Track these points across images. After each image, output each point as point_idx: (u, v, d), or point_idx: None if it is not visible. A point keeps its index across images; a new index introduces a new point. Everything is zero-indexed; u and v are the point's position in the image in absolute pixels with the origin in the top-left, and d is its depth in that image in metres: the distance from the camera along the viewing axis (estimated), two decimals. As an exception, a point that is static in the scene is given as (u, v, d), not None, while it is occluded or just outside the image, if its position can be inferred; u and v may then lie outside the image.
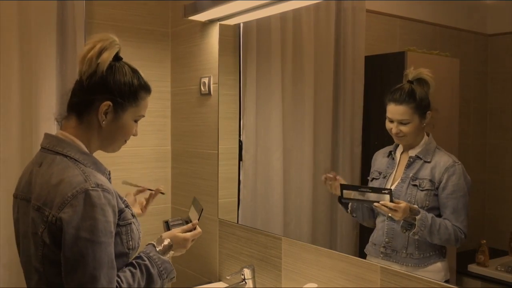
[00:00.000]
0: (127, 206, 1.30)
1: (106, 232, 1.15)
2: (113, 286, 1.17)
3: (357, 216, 1.76)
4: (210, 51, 2.30)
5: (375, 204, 1.54)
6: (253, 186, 2.22)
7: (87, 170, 1.20)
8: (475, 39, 1.52)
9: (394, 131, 1.56)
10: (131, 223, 1.28)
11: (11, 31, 2.07)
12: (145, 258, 1.30)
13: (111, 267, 1.17)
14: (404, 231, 1.52)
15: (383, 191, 1.55)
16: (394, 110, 1.55)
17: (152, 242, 1.38)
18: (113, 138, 1.31)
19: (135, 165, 2.48)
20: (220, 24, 2.24)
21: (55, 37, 2.16)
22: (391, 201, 1.51)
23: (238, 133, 2.24)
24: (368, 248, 1.67)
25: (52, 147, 1.25)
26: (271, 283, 1.94)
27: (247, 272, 1.93)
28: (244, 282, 1.93)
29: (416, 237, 1.49)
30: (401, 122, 1.54)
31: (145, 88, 1.32)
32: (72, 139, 1.26)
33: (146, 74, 2.73)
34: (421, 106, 1.52)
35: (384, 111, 1.59)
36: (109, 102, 1.25)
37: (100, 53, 1.23)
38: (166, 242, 1.39)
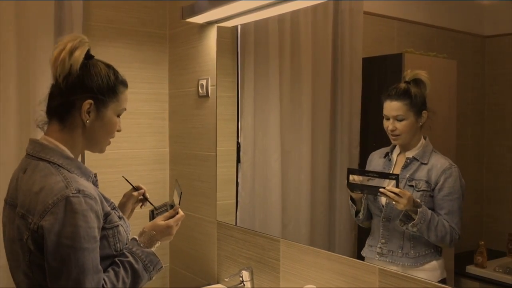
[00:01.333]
0: (114, 209, 1.30)
1: (89, 238, 1.15)
2: None
3: (360, 216, 1.73)
4: (208, 53, 2.30)
5: (381, 189, 1.52)
6: (251, 188, 2.22)
7: (69, 176, 1.20)
8: (472, 41, 1.52)
9: (390, 127, 1.57)
10: (118, 226, 1.27)
11: (8, 32, 2.07)
12: (128, 255, 1.29)
13: (96, 272, 1.17)
14: (402, 224, 1.52)
15: (390, 176, 1.54)
16: (389, 106, 1.57)
17: (135, 237, 1.37)
18: (98, 137, 1.31)
19: (133, 167, 2.48)
20: (218, 26, 2.24)
21: (53, 39, 2.15)
22: (397, 186, 1.50)
23: (236, 135, 2.24)
24: (365, 250, 1.68)
25: (35, 153, 1.25)
26: (269, 285, 1.94)
27: (245, 274, 1.93)
28: (242, 284, 1.93)
29: (415, 229, 1.49)
30: (396, 119, 1.55)
31: (122, 83, 1.32)
32: (55, 144, 1.26)
33: (143, 76, 2.74)
34: (416, 104, 1.52)
35: (382, 113, 1.59)
36: (90, 101, 1.25)
37: (71, 53, 1.23)
38: (148, 233, 1.37)
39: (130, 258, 1.28)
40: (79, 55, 1.24)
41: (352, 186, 1.65)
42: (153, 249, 1.36)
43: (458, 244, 1.49)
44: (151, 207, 1.56)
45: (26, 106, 2.11)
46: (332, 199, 1.93)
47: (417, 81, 1.52)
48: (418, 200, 1.50)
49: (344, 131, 1.88)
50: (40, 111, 1.31)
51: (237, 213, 2.22)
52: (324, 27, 1.96)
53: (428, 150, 1.55)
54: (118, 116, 1.33)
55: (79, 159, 1.34)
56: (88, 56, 1.28)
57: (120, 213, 1.34)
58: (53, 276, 1.14)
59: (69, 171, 1.22)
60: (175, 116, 2.56)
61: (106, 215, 1.24)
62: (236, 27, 2.23)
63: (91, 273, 1.15)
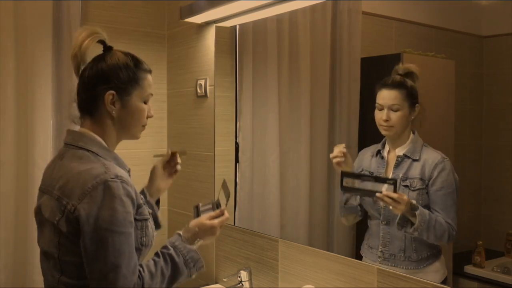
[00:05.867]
0: (145, 203, 1.31)
1: (126, 223, 1.17)
2: (136, 274, 1.18)
3: (348, 210, 1.72)
4: (207, 53, 2.30)
5: (378, 194, 1.48)
6: (249, 188, 2.22)
7: (107, 163, 1.23)
8: (470, 41, 1.53)
9: (383, 117, 1.54)
10: (147, 219, 1.29)
11: (6, 32, 2.07)
12: (170, 247, 1.30)
13: (132, 257, 1.18)
14: (400, 228, 1.49)
15: (387, 181, 1.49)
16: (386, 95, 1.55)
17: (179, 232, 1.38)
18: (128, 125, 1.32)
19: (132, 167, 2.45)
20: (216, 26, 2.24)
21: (51, 39, 2.15)
22: (395, 191, 1.46)
23: (234, 135, 2.24)
24: (364, 251, 1.67)
25: (74, 142, 1.27)
26: (268, 285, 1.94)
27: (243, 274, 1.93)
28: (241, 284, 1.93)
29: (416, 233, 1.46)
30: (391, 109, 1.54)
31: (143, 69, 1.32)
32: (92, 135, 1.28)
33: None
34: (411, 95, 1.52)
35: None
36: (112, 91, 1.26)
37: (80, 46, 1.26)
38: (193, 230, 1.38)
39: (172, 251, 1.29)
40: (87, 45, 1.26)
41: (346, 190, 1.62)
42: (194, 246, 1.37)
43: (456, 244, 1.50)
44: (196, 203, 1.54)
45: (24, 106, 2.11)
46: (330, 199, 1.93)
47: (409, 74, 1.52)
48: (414, 202, 1.47)
49: (343, 131, 1.88)
50: (74, 106, 1.33)
51: (236, 213, 2.22)
52: (322, 27, 1.96)
53: (419, 145, 1.53)
54: (145, 102, 1.33)
55: None
56: (106, 48, 1.31)
57: (150, 210, 1.35)
58: (90, 260, 1.15)
59: (106, 160, 1.24)
60: (174, 116, 2.56)
61: (138, 206, 1.25)
62: (234, 27, 2.23)
63: (127, 257, 1.16)
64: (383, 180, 1.50)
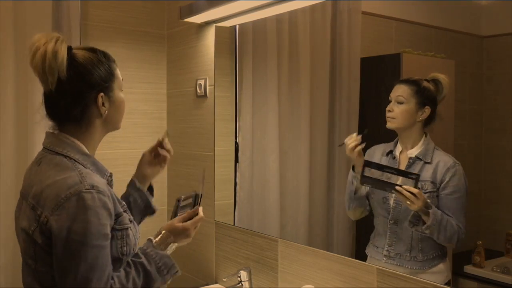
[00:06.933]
0: (125, 211, 1.28)
1: (100, 235, 1.13)
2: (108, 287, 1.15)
3: (358, 201, 1.69)
4: (206, 53, 2.30)
5: (397, 187, 1.48)
6: (249, 188, 2.22)
7: (84, 171, 1.19)
8: (470, 41, 1.53)
9: (387, 108, 1.57)
10: (127, 228, 1.25)
11: (6, 32, 2.06)
12: (141, 255, 1.26)
13: (105, 270, 1.15)
14: (412, 226, 1.49)
15: (409, 176, 1.48)
16: (396, 88, 1.57)
17: (150, 237, 1.34)
18: (116, 119, 1.32)
19: (131, 167, 2.45)
20: (216, 26, 2.24)
21: (51, 39, 2.15)
22: (415, 187, 1.46)
23: (234, 135, 2.24)
24: (370, 250, 1.66)
25: (52, 147, 1.24)
26: (268, 285, 1.94)
27: (243, 274, 1.93)
28: (240, 284, 1.93)
29: (427, 231, 1.46)
30: (397, 101, 1.55)
31: (110, 59, 1.30)
32: (71, 140, 1.25)
33: (141, 76, 2.74)
34: (422, 94, 1.52)
35: (380, 113, 1.59)
36: (101, 93, 1.24)
37: (55, 56, 1.17)
38: (164, 234, 1.34)
39: (143, 259, 1.25)
40: (63, 56, 1.18)
41: (365, 179, 1.59)
42: (168, 251, 1.33)
43: (455, 244, 1.50)
44: (178, 195, 1.46)
45: (24, 107, 2.11)
46: (330, 199, 1.93)
47: (435, 81, 1.51)
48: (429, 201, 1.47)
49: (342, 131, 1.88)
50: (45, 118, 1.28)
51: (235, 213, 2.22)
52: (322, 27, 1.96)
53: (430, 148, 1.54)
54: (121, 90, 1.33)
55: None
56: (69, 51, 1.22)
57: (131, 217, 1.31)
58: (61, 272, 1.13)
59: (84, 167, 1.21)
60: (173, 116, 2.56)
61: (118, 215, 1.22)
62: (234, 27, 2.23)
63: (100, 271, 1.13)
64: (405, 174, 1.50)
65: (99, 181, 1.19)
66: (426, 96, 1.52)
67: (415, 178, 1.47)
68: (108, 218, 1.17)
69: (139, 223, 1.50)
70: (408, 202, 1.48)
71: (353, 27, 1.85)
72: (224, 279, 2.04)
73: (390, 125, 1.59)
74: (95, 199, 1.14)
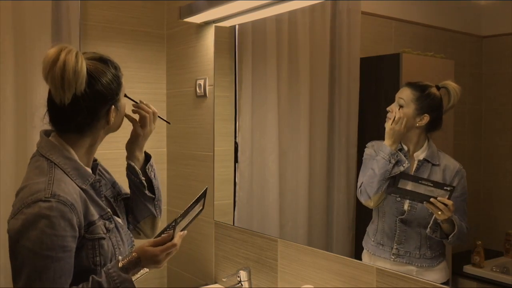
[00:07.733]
0: (107, 219, 1.24)
1: (54, 246, 1.09)
2: None
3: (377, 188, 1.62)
4: (206, 53, 2.30)
5: (432, 199, 1.46)
6: (249, 188, 2.22)
7: (56, 178, 1.16)
8: (470, 41, 1.53)
9: (388, 108, 1.57)
10: (100, 238, 1.20)
11: (5, 32, 2.06)
12: (102, 274, 1.18)
13: (58, 282, 1.11)
14: (432, 232, 1.49)
15: (445, 187, 1.46)
16: (402, 90, 1.57)
17: (120, 258, 1.24)
18: (119, 123, 1.32)
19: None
20: (215, 26, 2.24)
21: (50, 39, 2.15)
22: (449, 198, 1.45)
23: (233, 135, 2.24)
24: (372, 248, 1.65)
25: (40, 149, 1.25)
26: (267, 285, 1.94)
27: (243, 274, 1.93)
28: (240, 284, 1.93)
29: (452, 240, 1.46)
30: (398, 102, 1.55)
31: (119, 68, 1.29)
32: (61, 143, 1.24)
33: (141, 76, 2.74)
34: (422, 101, 1.52)
35: (379, 113, 1.59)
36: (112, 106, 1.25)
37: (74, 71, 1.14)
38: (133, 257, 1.22)
39: (103, 279, 1.17)
40: (83, 76, 1.17)
41: (398, 191, 1.56)
42: (138, 275, 1.26)
43: (455, 244, 1.50)
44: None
45: (24, 107, 2.11)
46: (329, 199, 1.93)
47: (443, 88, 1.49)
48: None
49: (342, 131, 1.88)
50: (45, 124, 1.27)
51: (235, 213, 2.22)
52: (322, 27, 1.96)
53: (435, 150, 1.54)
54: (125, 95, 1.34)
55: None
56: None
57: (113, 225, 1.27)
58: (13, 277, 1.12)
59: (64, 171, 1.19)
60: (173, 116, 2.56)
61: (89, 224, 1.18)
62: (234, 27, 2.23)
63: (50, 282, 1.09)
64: (441, 186, 1.48)
65: (67, 191, 1.15)
66: (426, 104, 1.52)
67: (450, 190, 1.45)
68: (69, 229, 1.12)
69: (152, 201, 1.45)
70: (439, 213, 1.46)
71: (352, 27, 1.85)
72: (224, 279, 2.04)
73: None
74: (52, 208, 1.10)
